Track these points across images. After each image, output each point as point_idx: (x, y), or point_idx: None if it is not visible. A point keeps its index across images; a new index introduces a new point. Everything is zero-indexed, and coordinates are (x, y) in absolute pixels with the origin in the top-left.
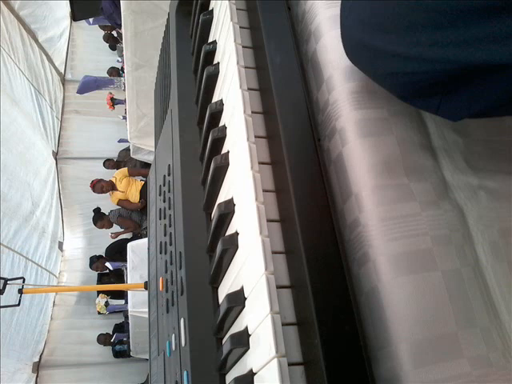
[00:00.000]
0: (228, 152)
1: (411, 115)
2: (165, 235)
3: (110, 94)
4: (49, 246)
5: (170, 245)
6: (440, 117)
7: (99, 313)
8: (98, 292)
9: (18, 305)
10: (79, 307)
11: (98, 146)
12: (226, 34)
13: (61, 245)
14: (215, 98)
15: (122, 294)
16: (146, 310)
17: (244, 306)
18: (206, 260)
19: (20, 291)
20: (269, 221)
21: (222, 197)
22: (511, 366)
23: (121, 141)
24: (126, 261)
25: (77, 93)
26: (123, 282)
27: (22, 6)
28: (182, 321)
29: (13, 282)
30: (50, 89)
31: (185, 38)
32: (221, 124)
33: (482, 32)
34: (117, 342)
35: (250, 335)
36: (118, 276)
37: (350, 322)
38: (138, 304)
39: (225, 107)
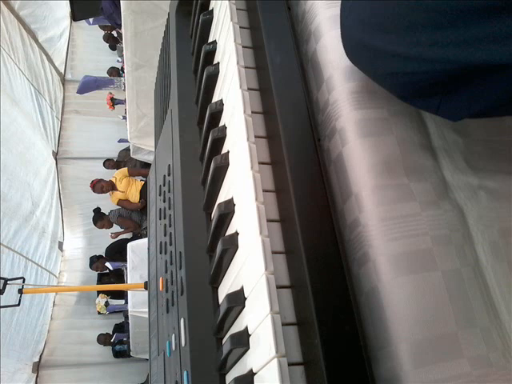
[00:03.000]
0: (228, 152)
1: (411, 115)
2: (165, 235)
3: (110, 93)
4: (49, 246)
5: (170, 245)
6: (440, 117)
7: (99, 313)
8: (98, 292)
9: (18, 305)
10: (79, 307)
11: (98, 146)
12: (226, 34)
13: (61, 245)
14: (215, 98)
15: (122, 294)
16: (146, 310)
17: (244, 306)
18: (206, 260)
19: (20, 291)
20: (269, 221)
21: (222, 197)
22: (511, 366)
23: (121, 141)
24: (126, 261)
25: (77, 93)
26: (123, 282)
27: (22, 5)
28: (181, 321)
29: (13, 282)
30: (50, 89)
31: (185, 37)
32: (221, 124)
33: (482, 32)
34: (117, 342)
35: (250, 335)
36: (118, 276)
37: (350, 321)
38: (137, 304)
39: (225, 107)
